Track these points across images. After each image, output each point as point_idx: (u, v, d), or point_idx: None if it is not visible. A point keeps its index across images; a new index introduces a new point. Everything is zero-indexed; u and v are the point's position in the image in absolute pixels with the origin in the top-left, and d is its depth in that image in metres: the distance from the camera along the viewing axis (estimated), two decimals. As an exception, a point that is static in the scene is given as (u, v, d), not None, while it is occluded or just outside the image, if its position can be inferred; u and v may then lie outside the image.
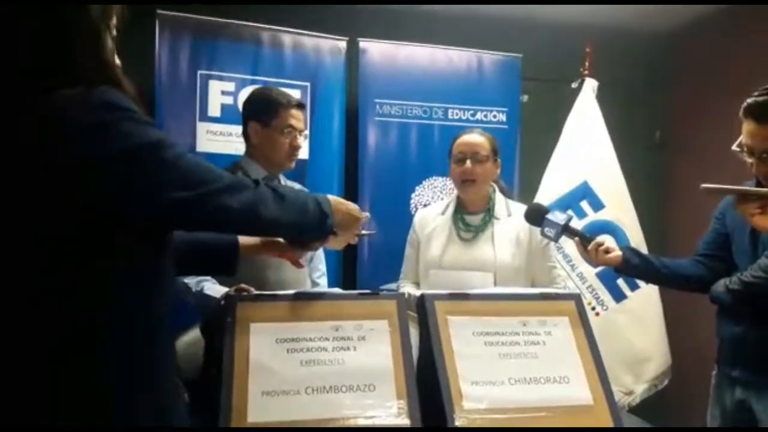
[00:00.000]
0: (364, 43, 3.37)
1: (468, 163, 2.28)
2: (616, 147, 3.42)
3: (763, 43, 3.32)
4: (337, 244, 1.71)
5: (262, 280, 2.03)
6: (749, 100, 1.87)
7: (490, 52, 3.54)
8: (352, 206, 1.58)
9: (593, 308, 3.26)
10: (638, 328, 3.30)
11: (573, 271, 3.29)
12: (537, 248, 2.29)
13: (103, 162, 1.00)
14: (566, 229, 2.09)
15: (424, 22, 3.62)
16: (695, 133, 3.85)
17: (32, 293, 1.00)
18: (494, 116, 3.50)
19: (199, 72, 3.08)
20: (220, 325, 1.54)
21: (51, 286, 1.00)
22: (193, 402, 1.67)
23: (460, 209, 2.38)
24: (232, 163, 2.31)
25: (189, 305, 2.03)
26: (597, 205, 3.35)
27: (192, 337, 2.18)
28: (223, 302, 1.65)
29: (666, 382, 3.32)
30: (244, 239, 1.62)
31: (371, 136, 3.36)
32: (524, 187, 3.47)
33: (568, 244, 3.01)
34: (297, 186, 2.42)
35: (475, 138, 2.34)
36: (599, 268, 3.14)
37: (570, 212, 3.07)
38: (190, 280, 1.99)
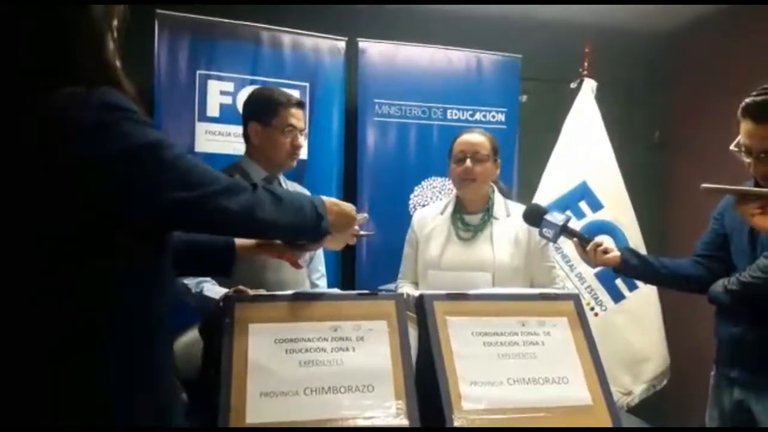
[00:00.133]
0: (363, 43, 3.36)
1: (468, 162, 2.28)
2: (615, 147, 3.42)
3: (763, 43, 3.32)
4: (335, 244, 1.71)
5: (261, 281, 2.03)
6: (747, 100, 1.87)
7: (489, 52, 3.54)
8: (346, 206, 1.58)
9: (592, 309, 3.26)
10: (637, 328, 3.30)
11: (572, 271, 3.30)
12: (536, 248, 2.29)
13: (102, 162, 1.00)
14: (565, 230, 2.09)
15: (423, 23, 3.62)
16: (694, 133, 3.86)
17: (32, 293, 1.00)
18: (493, 116, 3.50)
19: (198, 72, 3.07)
20: (219, 325, 1.54)
21: (51, 286, 1.00)
22: (192, 402, 1.67)
23: (459, 209, 2.38)
24: (231, 163, 2.31)
25: (188, 306, 2.03)
26: (596, 206, 3.35)
27: (191, 337, 2.18)
28: (221, 303, 1.64)
29: (665, 382, 3.33)
30: (240, 240, 1.62)
31: (370, 137, 3.36)
32: (523, 187, 3.48)
33: (567, 245, 3.01)
34: (297, 186, 2.43)
35: (476, 137, 2.34)
36: (598, 269, 3.15)
37: (568, 213, 3.08)
38: (190, 281, 1.99)
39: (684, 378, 3.31)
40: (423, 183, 3.39)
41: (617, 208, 3.36)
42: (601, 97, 3.48)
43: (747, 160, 1.90)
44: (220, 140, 3.07)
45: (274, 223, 1.30)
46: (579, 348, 1.66)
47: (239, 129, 2.33)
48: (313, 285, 2.39)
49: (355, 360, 1.53)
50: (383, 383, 1.51)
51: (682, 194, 3.86)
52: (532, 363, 1.60)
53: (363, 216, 1.69)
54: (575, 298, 1.77)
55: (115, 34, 1.11)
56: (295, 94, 2.72)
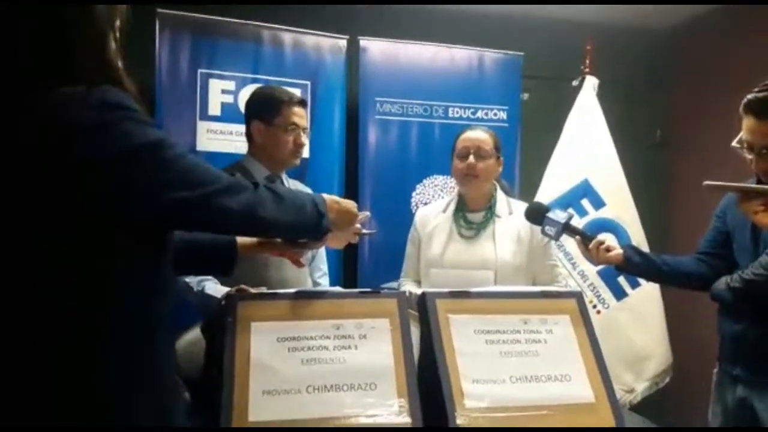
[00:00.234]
0: (364, 42, 3.36)
1: (472, 158, 2.28)
2: (616, 145, 3.42)
3: (763, 41, 3.31)
4: (337, 243, 1.71)
5: (263, 279, 2.03)
6: (749, 96, 1.86)
7: (491, 50, 3.54)
8: (347, 203, 1.57)
9: (594, 306, 3.26)
10: (639, 326, 3.30)
11: (574, 269, 3.29)
12: (538, 246, 2.29)
13: (103, 162, 1.00)
14: (567, 228, 2.09)
15: (424, 21, 3.62)
16: (696, 131, 3.85)
17: (32, 293, 1.00)
18: (495, 114, 3.50)
19: (199, 71, 3.08)
20: (221, 324, 1.53)
21: (51, 286, 1.00)
22: (194, 401, 1.67)
23: (462, 207, 2.38)
24: (233, 162, 2.31)
25: (190, 305, 2.03)
26: (598, 203, 3.35)
27: (193, 336, 2.18)
28: (223, 302, 1.64)
29: (667, 380, 3.33)
30: (242, 239, 1.62)
31: (372, 135, 3.36)
32: (525, 185, 3.47)
33: (569, 242, 3.01)
34: (299, 185, 2.43)
35: (479, 134, 2.34)
36: (600, 267, 3.14)
37: (571, 210, 3.07)
38: (191, 280, 1.99)
39: (686, 376, 3.31)
40: (425, 181, 3.39)
41: (619, 205, 3.36)
42: (602, 95, 3.48)
43: (749, 156, 1.90)
44: (222, 139, 3.08)
45: (276, 222, 1.30)
46: (581, 346, 1.66)
47: (241, 128, 2.33)
48: (315, 283, 2.38)
49: (357, 358, 1.53)
50: (385, 381, 1.50)
51: (684, 191, 3.86)
52: (534, 361, 1.60)
53: (365, 214, 1.69)
54: (578, 296, 1.77)
55: (118, 34, 1.11)
56: (297, 92, 2.71)
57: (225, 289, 1.91)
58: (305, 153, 2.74)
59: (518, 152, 3.51)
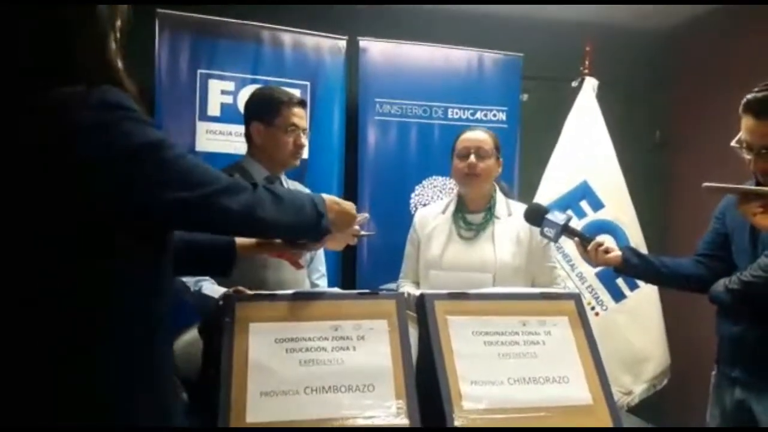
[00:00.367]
0: (364, 42, 3.36)
1: (472, 157, 2.28)
2: (615, 146, 3.42)
3: (763, 41, 3.32)
4: (335, 244, 1.71)
5: (261, 280, 2.03)
6: (749, 96, 1.86)
7: (490, 51, 3.54)
8: (346, 204, 1.57)
9: (593, 308, 3.26)
10: (637, 327, 3.30)
11: (572, 270, 3.30)
12: (537, 248, 2.29)
13: (103, 162, 1.00)
14: (566, 229, 2.09)
15: (424, 21, 3.62)
16: (695, 132, 3.86)
17: (32, 293, 1.00)
18: (494, 115, 3.50)
19: (198, 71, 3.07)
20: (219, 325, 1.53)
21: (51, 286, 1.00)
22: (192, 402, 1.67)
23: (461, 208, 2.38)
24: (233, 163, 2.31)
25: (188, 305, 2.03)
26: (596, 205, 3.35)
27: (191, 336, 2.18)
28: (221, 302, 1.64)
29: (665, 382, 3.33)
30: (240, 240, 1.62)
31: (371, 136, 3.36)
32: (524, 186, 3.47)
33: (568, 244, 3.01)
34: (298, 186, 2.43)
35: (479, 134, 2.34)
36: (599, 268, 3.14)
37: (569, 212, 3.08)
38: (188, 280, 1.99)
39: (684, 378, 3.31)
40: (424, 182, 3.39)
41: (618, 207, 3.36)
42: (601, 96, 3.48)
43: (747, 156, 1.90)
44: (221, 139, 3.08)
45: (275, 223, 1.30)
46: (580, 347, 1.66)
47: (240, 128, 2.33)
48: (313, 285, 2.38)
49: (355, 359, 1.53)
50: (384, 383, 1.51)
51: (683, 193, 3.86)
52: (532, 362, 1.60)
53: (364, 216, 1.69)
54: (576, 298, 1.77)
55: (118, 35, 1.11)
56: (296, 93, 2.72)
57: (222, 290, 1.91)
58: (305, 154, 2.75)
59: (517, 153, 3.50)
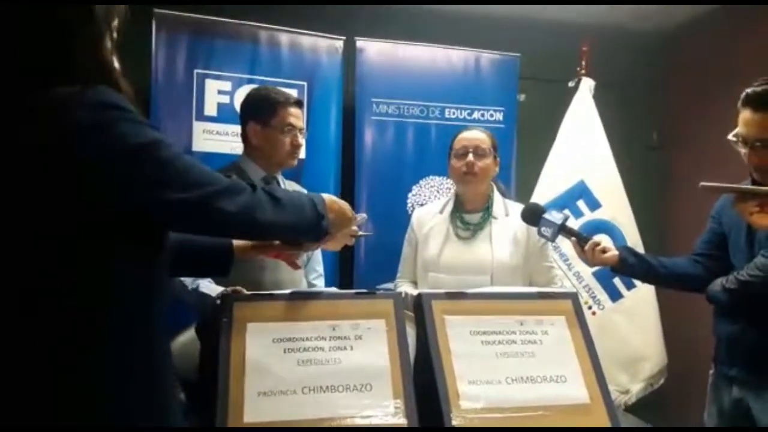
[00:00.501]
0: (361, 42, 3.36)
1: (470, 156, 2.28)
2: (612, 146, 3.42)
3: (760, 42, 3.32)
4: (333, 245, 1.71)
5: (258, 281, 2.03)
6: (748, 90, 1.87)
7: (487, 51, 3.54)
8: (344, 204, 1.57)
9: (590, 307, 3.26)
10: (635, 327, 3.30)
11: (570, 270, 3.30)
12: (534, 248, 2.29)
13: (102, 161, 1.00)
14: (563, 229, 2.09)
15: (421, 22, 3.62)
16: (692, 132, 3.86)
17: (32, 293, 1.00)
18: (491, 115, 3.50)
19: (195, 71, 3.07)
20: (216, 325, 1.53)
21: (51, 286, 1.00)
22: (189, 402, 1.67)
23: (459, 208, 2.38)
24: (229, 163, 2.31)
25: (186, 305, 2.02)
26: (593, 205, 3.36)
27: (188, 336, 2.18)
28: (219, 302, 1.64)
29: (662, 381, 3.33)
30: (237, 241, 1.61)
31: (368, 136, 3.36)
32: (521, 186, 3.48)
33: (565, 243, 3.01)
34: (295, 186, 2.43)
35: (476, 134, 2.35)
36: (596, 268, 3.15)
37: (567, 211, 3.08)
38: (186, 278, 1.99)
39: (681, 377, 3.32)
40: (421, 182, 3.39)
41: (615, 206, 3.36)
42: (598, 96, 3.48)
43: (743, 150, 1.90)
44: (218, 139, 3.07)
45: (275, 225, 1.29)
46: (577, 347, 1.66)
47: (237, 128, 2.33)
48: (311, 285, 2.38)
49: (353, 359, 1.53)
50: (381, 382, 1.51)
51: (680, 193, 3.86)
52: (530, 362, 1.60)
53: (362, 216, 1.69)
54: (573, 297, 1.77)
55: (115, 34, 1.10)
56: (293, 93, 2.72)
57: (220, 288, 1.91)
58: (302, 154, 2.75)
59: (515, 153, 3.50)
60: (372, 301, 1.66)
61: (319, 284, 2.43)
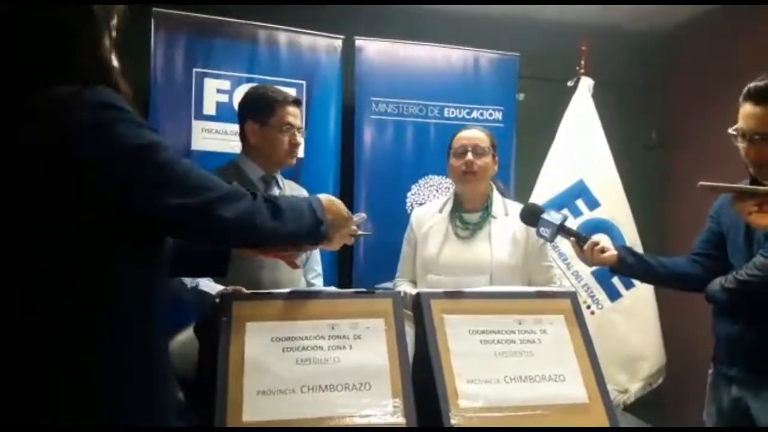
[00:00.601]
0: (360, 42, 3.36)
1: (469, 155, 2.28)
2: (611, 145, 3.43)
3: (759, 42, 3.33)
4: (332, 244, 1.71)
5: (257, 280, 2.02)
6: (750, 85, 1.88)
7: (487, 50, 3.53)
8: (340, 204, 1.57)
9: (588, 307, 3.27)
10: (633, 326, 3.31)
11: (568, 269, 3.30)
12: (534, 248, 2.29)
13: (101, 162, 1.00)
14: (562, 229, 2.09)
15: (420, 21, 3.62)
16: (691, 132, 3.87)
17: (32, 293, 1.00)
18: (490, 115, 3.50)
19: (194, 70, 3.07)
20: (215, 324, 1.53)
21: (51, 286, 1.00)
22: (188, 401, 1.67)
23: (458, 207, 2.38)
24: (228, 162, 2.31)
25: (184, 304, 2.02)
26: (592, 204, 3.36)
27: (187, 336, 2.17)
28: (218, 300, 1.64)
29: (661, 380, 3.34)
30: None
31: (367, 135, 3.36)
32: (520, 185, 3.48)
33: (564, 243, 3.01)
34: (294, 185, 2.43)
35: (475, 133, 2.35)
36: (595, 267, 3.15)
37: (565, 211, 3.08)
38: (185, 277, 1.98)
39: (680, 376, 3.32)
40: (420, 181, 3.39)
41: (614, 206, 3.36)
42: (597, 96, 3.49)
43: (741, 144, 1.91)
44: (217, 138, 3.07)
45: (274, 233, 1.30)
46: (576, 346, 1.66)
47: (236, 127, 2.33)
48: (309, 284, 2.38)
49: (352, 358, 1.53)
50: (380, 381, 1.51)
51: (679, 192, 3.87)
52: (528, 361, 1.60)
53: (361, 215, 1.69)
54: (572, 296, 1.77)
55: (114, 33, 1.10)
56: (292, 92, 2.72)
57: (219, 287, 1.91)
58: (300, 153, 2.74)
59: (514, 152, 3.50)
60: (371, 300, 1.66)
61: (318, 283, 2.43)
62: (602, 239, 2.17)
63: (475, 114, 3.48)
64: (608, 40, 3.72)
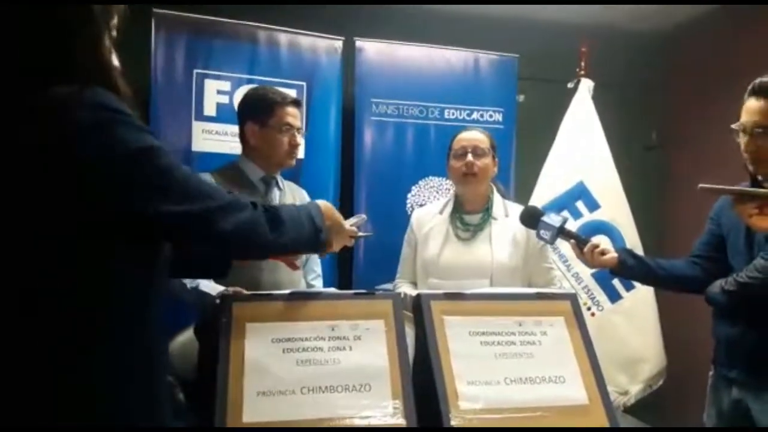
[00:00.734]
0: (360, 43, 3.36)
1: (469, 156, 2.28)
2: (611, 147, 3.43)
3: (759, 42, 3.33)
4: (332, 246, 1.71)
5: (257, 281, 2.02)
6: (756, 80, 1.89)
7: (487, 52, 3.54)
8: (336, 212, 1.58)
9: (589, 308, 3.26)
10: (633, 328, 3.30)
11: (569, 271, 3.30)
12: (534, 249, 2.29)
13: (101, 162, 1.00)
14: (562, 232, 2.09)
15: (420, 22, 3.62)
16: (691, 133, 3.86)
17: (32, 293, 1.00)
18: (490, 116, 3.50)
19: (195, 71, 3.07)
20: (215, 324, 1.53)
21: (51, 286, 1.00)
22: (188, 402, 1.67)
23: (459, 209, 2.38)
24: (228, 162, 2.31)
25: (185, 305, 2.02)
26: (592, 206, 3.36)
27: (187, 336, 2.17)
28: (218, 301, 1.64)
29: (661, 382, 3.33)
30: None
31: (367, 136, 3.36)
32: (520, 186, 3.47)
33: (564, 244, 3.01)
34: (294, 186, 2.43)
35: (475, 134, 2.35)
36: (595, 269, 3.14)
37: (565, 213, 3.08)
38: (185, 278, 1.98)
39: (680, 378, 3.32)
40: (420, 182, 3.39)
41: (614, 207, 3.36)
42: (597, 97, 3.48)
43: (743, 140, 1.91)
44: (217, 139, 3.07)
45: (273, 244, 1.31)
46: (576, 348, 1.66)
47: (236, 128, 2.33)
48: (309, 285, 2.38)
49: (352, 359, 1.53)
50: (380, 383, 1.51)
51: (679, 193, 3.86)
52: (529, 362, 1.60)
53: (361, 217, 1.69)
54: (572, 298, 1.77)
55: (113, 33, 1.10)
56: (292, 93, 2.72)
57: (219, 287, 1.91)
58: (301, 154, 2.74)
59: (514, 154, 3.50)
60: (371, 301, 1.66)
61: (318, 285, 2.43)
62: (602, 241, 2.17)
63: (475, 115, 3.48)
64: (608, 41, 3.72)
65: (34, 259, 0.99)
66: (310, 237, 1.40)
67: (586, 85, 3.47)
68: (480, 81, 3.52)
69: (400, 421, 1.46)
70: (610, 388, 1.67)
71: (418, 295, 1.67)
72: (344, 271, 3.28)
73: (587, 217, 3.35)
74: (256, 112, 2.22)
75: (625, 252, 2.20)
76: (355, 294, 1.70)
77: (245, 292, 1.70)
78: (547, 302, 1.75)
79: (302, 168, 3.09)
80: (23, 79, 1.01)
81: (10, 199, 0.99)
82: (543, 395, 1.55)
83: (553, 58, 3.66)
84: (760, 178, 1.93)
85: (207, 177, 2.15)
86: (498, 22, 3.76)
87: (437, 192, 3.37)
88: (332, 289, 2.16)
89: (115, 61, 1.10)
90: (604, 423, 1.55)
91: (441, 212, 2.39)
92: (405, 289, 2.30)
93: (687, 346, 3.19)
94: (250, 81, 3.08)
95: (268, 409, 1.41)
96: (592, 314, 3.26)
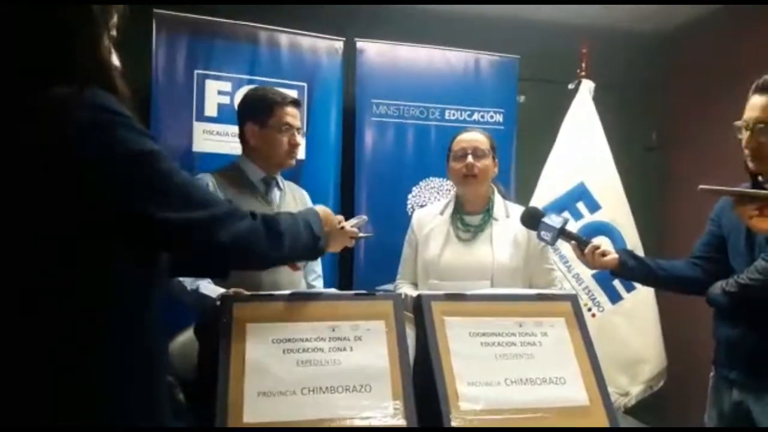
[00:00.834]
0: (361, 44, 3.36)
1: (469, 158, 2.28)
2: (612, 148, 3.42)
3: (760, 43, 3.33)
4: (333, 247, 1.71)
5: (257, 282, 2.02)
6: (761, 78, 1.90)
7: (487, 52, 3.54)
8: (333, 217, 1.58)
9: (589, 309, 3.26)
10: (634, 329, 3.30)
11: (569, 272, 3.30)
12: (535, 250, 2.29)
13: (101, 162, 1.00)
14: (562, 233, 2.09)
15: (421, 23, 3.62)
16: (691, 134, 3.86)
17: (32, 293, 1.00)
18: (491, 117, 3.50)
19: (195, 71, 3.07)
20: (216, 325, 1.53)
21: (51, 286, 1.00)
22: (189, 402, 1.67)
23: (459, 209, 2.38)
24: (229, 163, 2.31)
25: (185, 305, 2.02)
26: (593, 207, 3.35)
27: (187, 337, 2.17)
28: (219, 302, 1.64)
29: (661, 383, 3.33)
30: None
31: (368, 137, 3.36)
32: (521, 187, 3.47)
33: (565, 245, 3.01)
34: (294, 187, 2.43)
35: (475, 135, 2.35)
36: (595, 270, 3.14)
37: (566, 214, 3.08)
38: (186, 279, 1.98)
39: (681, 379, 3.31)
40: (421, 183, 3.39)
41: (615, 208, 3.36)
42: (598, 98, 3.48)
43: (744, 136, 1.91)
44: (218, 140, 3.07)
45: (270, 256, 1.32)
46: (576, 349, 1.66)
47: (237, 129, 2.33)
48: (309, 286, 2.38)
49: (352, 360, 1.53)
50: (381, 383, 1.51)
51: (680, 194, 3.86)
52: (529, 363, 1.60)
53: (362, 218, 1.69)
54: (573, 299, 1.77)
55: (113, 33, 1.10)
56: (293, 94, 2.71)
57: (220, 289, 1.91)
58: (300, 154, 2.74)
59: (514, 155, 3.50)
60: (371, 302, 1.66)
61: (318, 285, 2.43)
62: (603, 242, 2.17)
63: (475, 116, 3.48)
64: (608, 42, 3.72)
65: (35, 259, 0.99)
66: (308, 245, 1.41)
67: (586, 86, 3.47)
68: (480, 82, 3.52)
69: (400, 422, 1.46)
70: (610, 389, 1.67)
71: (419, 296, 1.67)
72: (345, 272, 3.28)
73: (588, 218, 3.34)
74: (256, 113, 2.22)
75: (625, 253, 2.20)
76: (356, 295, 1.70)
77: (245, 292, 1.69)
78: (547, 303, 1.75)
79: (303, 169, 3.09)
80: (23, 79, 1.01)
81: (10, 199, 0.99)
82: (543, 396, 1.55)
83: (553, 58, 3.66)
84: (760, 179, 1.93)
85: (207, 177, 2.16)
86: (498, 23, 3.76)
87: (438, 193, 3.37)
88: (333, 290, 2.15)
89: (115, 61, 1.10)
90: (605, 424, 1.55)
91: (442, 213, 2.39)
92: (406, 289, 2.30)
93: (688, 347, 3.19)
94: (250, 81, 3.08)
95: (269, 410, 1.42)
96: (593, 315, 3.26)
